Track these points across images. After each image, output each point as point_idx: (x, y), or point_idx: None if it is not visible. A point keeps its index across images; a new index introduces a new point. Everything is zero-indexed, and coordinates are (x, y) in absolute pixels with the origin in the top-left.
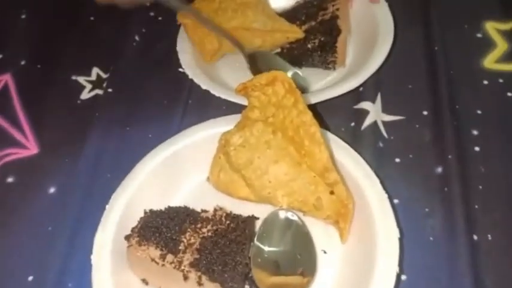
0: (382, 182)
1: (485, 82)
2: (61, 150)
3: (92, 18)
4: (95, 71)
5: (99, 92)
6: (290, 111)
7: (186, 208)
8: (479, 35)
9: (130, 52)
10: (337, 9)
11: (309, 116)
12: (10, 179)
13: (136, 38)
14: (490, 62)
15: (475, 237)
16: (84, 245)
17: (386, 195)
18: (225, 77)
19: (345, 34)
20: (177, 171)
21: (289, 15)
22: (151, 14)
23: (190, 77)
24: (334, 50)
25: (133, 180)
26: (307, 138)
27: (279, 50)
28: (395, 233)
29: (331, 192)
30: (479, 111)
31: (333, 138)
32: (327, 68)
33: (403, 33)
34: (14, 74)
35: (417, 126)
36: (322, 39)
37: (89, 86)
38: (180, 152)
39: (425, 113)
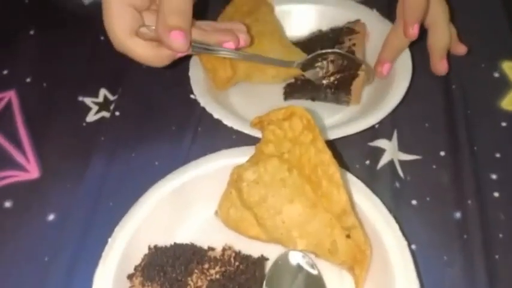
0: (400, 227)
1: (504, 124)
2: (63, 175)
3: (102, 37)
4: (102, 92)
5: (106, 114)
6: (308, 149)
7: (192, 246)
8: (496, 75)
9: (140, 75)
10: (354, 44)
11: (328, 155)
12: (8, 204)
13: None
14: (507, 103)
15: None
16: (83, 280)
17: (406, 243)
18: (236, 106)
19: (361, 74)
20: (184, 204)
21: (305, 46)
22: None
23: (202, 105)
24: (349, 89)
25: (138, 213)
26: (326, 178)
27: (292, 80)
28: (416, 286)
29: (348, 236)
30: (497, 155)
31: (351, 179)
32: (340, 103)
33: (420, 71)
34: (19, 91)
35: (434, 167)
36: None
37: (95, 108)
38: (188, 184)
39: (442, 153)
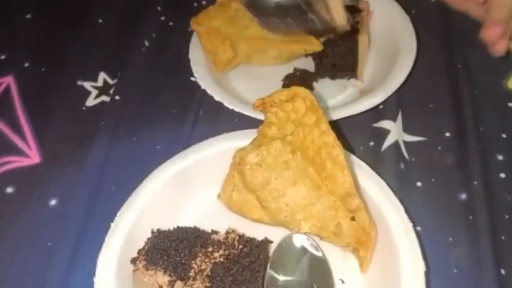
0: (405, 209)
1: (510, 104)
2: (64, 160)
3: (100, 20)
4: (102, 76)
5: (106, 98)
6: (311, 131)
7: (196, 229)
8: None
9: (140, 58)
10: (357, 23)
11: (332, 136)
12: (9, 189)
13: (146, 43)
14: None
15: (503, 271)
16: (86, 264)
17: (411, 225)
18: (238, 88)
19: (364, 49)
20: (186, 188)
21: None
22: (162, 18)
23: (202, 87)
24: (353, 65)
25: (140, 197)
26: (330, 160)
27: (291, 71)
28: (422, 267)
29: (352, 219)
30: (504, 135)
31: (355, 161)
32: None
33: (424, 50)
34: (17, 76)
35: (439, 148)
36: (340, 53)
37: (95, 92)
38: (191, 168)
39: (447, 134)
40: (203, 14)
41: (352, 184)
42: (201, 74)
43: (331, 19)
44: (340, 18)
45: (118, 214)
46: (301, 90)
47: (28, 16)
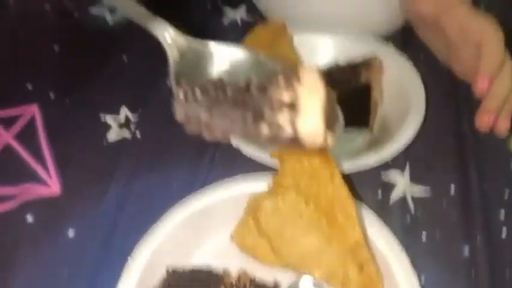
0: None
1: None
2: (84, 192)
3: (124, 56)
4: (124, 110)
5: (127, 134)
6: (325, 184)
7: (209, 269)
8: None
9: (161, 96)
10: (370, 80)
11: (345, 191)
12: (29, 218)
13: (168, 82)
14: None
15: None
16: None
17: (416, 278)
18: None
19: (375, 104)
20: (201, 227)
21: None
22: None
23: None
24: (364, 118)
25: (157, 235)
26: (342, 213)
27: None
28: None
29: (361, 269)
30: (506, 194)
31: (365, 211)
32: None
33: (433, 107)
34: (42, 106)
35: (444, 202)
36: (353, 106)
37: (116, 127)
38: (206, 208)
39: (452, 190)
40: None
41: (362, 237)
42: None
43: (296, 128)
44: (311, 129)
45: (134, 251)
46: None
47: (55, 48)
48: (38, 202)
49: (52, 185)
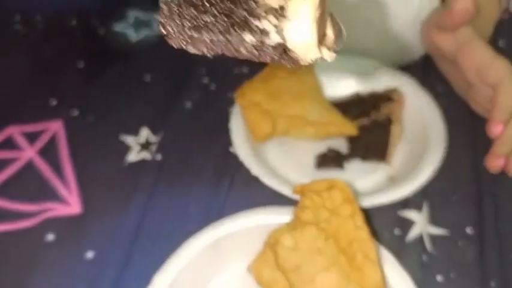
0: None
1: None
2: (103, 213)
3: (146, 76)
4: (145, 132)
5: (147, 155)
6: (345, 222)
7: None
8: None
9: (182, 118)
10: (391, 112)
11: (365, 231)
12: (50, 237)
13: (188, 104)
14: None
15: None
16: None
17: None
18: (272, 160)
19: (396, 137)
20: (218, 258)
21: (343, 108)
22: (205, 81)
23: (240, 159)
24: (384, 151)
25: (174, 265)
26: (361, 253)
27: (325, 151)
28: None
29: None
30: None
31: (383, 252)
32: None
33: (453, 143)
34: (65, 123)
35: (460, 243)
36: (373, 138)
37: (137, 148)
38: (223, 240)
39: (468, 230)
40: (247, 87)
41: (381, 279)
42: (240, 145)
43: (283, 34)
44: (301, 35)
45: (152, 282)
46: (340, 183)
47: (80, 66)
48: (58, 221)
49: (72, 204)
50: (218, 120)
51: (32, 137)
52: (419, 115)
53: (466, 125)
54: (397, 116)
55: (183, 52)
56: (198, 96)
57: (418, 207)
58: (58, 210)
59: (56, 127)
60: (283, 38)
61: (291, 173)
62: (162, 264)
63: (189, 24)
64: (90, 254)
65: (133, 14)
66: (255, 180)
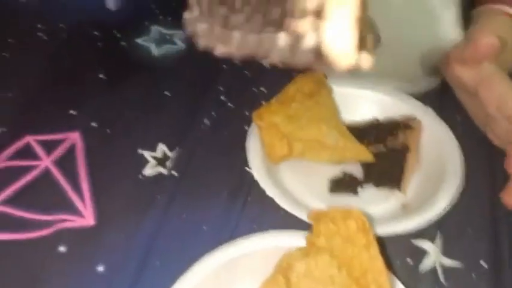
0: None
1: None
2: (116, 227)
3: (166, 92)
4: (161, 147)
5: (163, 170)
6: (360, 252)
7: None
8: None
9: (198, 135)
10: (408, 140)
11: (380, 262)
12: (62, 248)
13: (206, 121)
14: None
15: None
16: None
17: None
18: (287, 181)
19: (411, 165)
20: (229, 279)
21: (359, 133)
22: (223, 98)
23: (256, 178)
24: (399, 178)
25: (186, 285)
26: (375, 284)
27: (340, 175)
28: None
29: None
30: None
31: (398, 286)
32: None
33: (469, 175)
34: (84, 134)
35: (474, 276)
36: (388, 165)
37: (153, 162)
38: (235, 260)
39: (483, 263)
40: (266, 108)
41: None
42: (256, 166)
43: (320, 36)
44: (338, 39)
45: None
46: (356, 212)
47: (101, 76)
48: (71, 232)
49: (86, 216)
50: (235, 138)
51: (49, 146)
52: (436, 145)
53: (483, 156)
54: (414, 144)
55: (202, 68)
56: (216, 113)
57: (432, 238)
58: (72, 221)
59: (74, 137)
60: (320, 39)
61: (305, 195)
62: (172, 283)
63: (220, 23)
64: (101, 268)
65: (156, 29)
66: (269, 201)
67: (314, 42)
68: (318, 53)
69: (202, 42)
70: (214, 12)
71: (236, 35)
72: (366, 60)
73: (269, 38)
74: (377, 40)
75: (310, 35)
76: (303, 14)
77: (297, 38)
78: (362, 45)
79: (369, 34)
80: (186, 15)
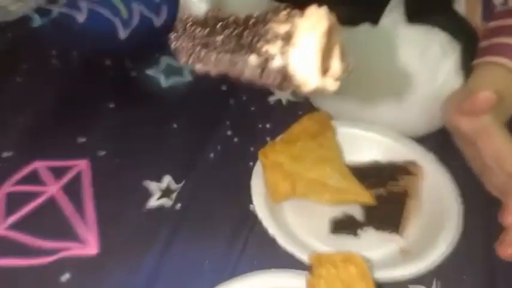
0: None
1: None
2: (119, 258)
3: (174, 125)
4: (167, 179)
5: (167, 203)
6: None
7: None
8: None
9: (204, 168)
10: (408, 186)
11: None
12: (65, 277)
13: (211, 155)
14: None
15: None
16: None
17: None
18: (288, 219)
19: (411, 211)
20: None
21: (361, 174)
22: (229, 133)
23: (259, 217)
24: (398, 222)
25: None
26: None
27: (341, 216)
28: None
29: None
30: None
31: None
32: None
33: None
34: (92, 162)
35: None
36: (389, 209)
37: (158, 194)
38: None
39: None
40: (271, 147)
41: None
42: (259, 205)
43: (286, 58)
44: (303, 62)
45: None
46: (357, 258)
47: (111, 106)
48: (75, 261)
49: (90, 245)
50: (239, 174)
51: (57, 173)
52: (436, 191)
53: (480, 204)
54: (414, 190)
55: (210, 102)
56: (221, 148)
57: (429, 284)
58: (76, 249)
59: (82, 165)
60: (286, 62)
61: (305, 235)
62: None
63: (200, 43)
64: None
65: (165, 61)
66: (271, 240)
67: (281, 64)
68: (284, 75)
69: (182, 59)
70: (195, 33)
71: (213, 55)
72: (331, 85)
73: (242, 58)
74: (346, 68)
75: (278, 58)
76: (274, 38)
77: (266, 60)
78: (329, 70)
79: (338, 61)
80: (172, 34)
